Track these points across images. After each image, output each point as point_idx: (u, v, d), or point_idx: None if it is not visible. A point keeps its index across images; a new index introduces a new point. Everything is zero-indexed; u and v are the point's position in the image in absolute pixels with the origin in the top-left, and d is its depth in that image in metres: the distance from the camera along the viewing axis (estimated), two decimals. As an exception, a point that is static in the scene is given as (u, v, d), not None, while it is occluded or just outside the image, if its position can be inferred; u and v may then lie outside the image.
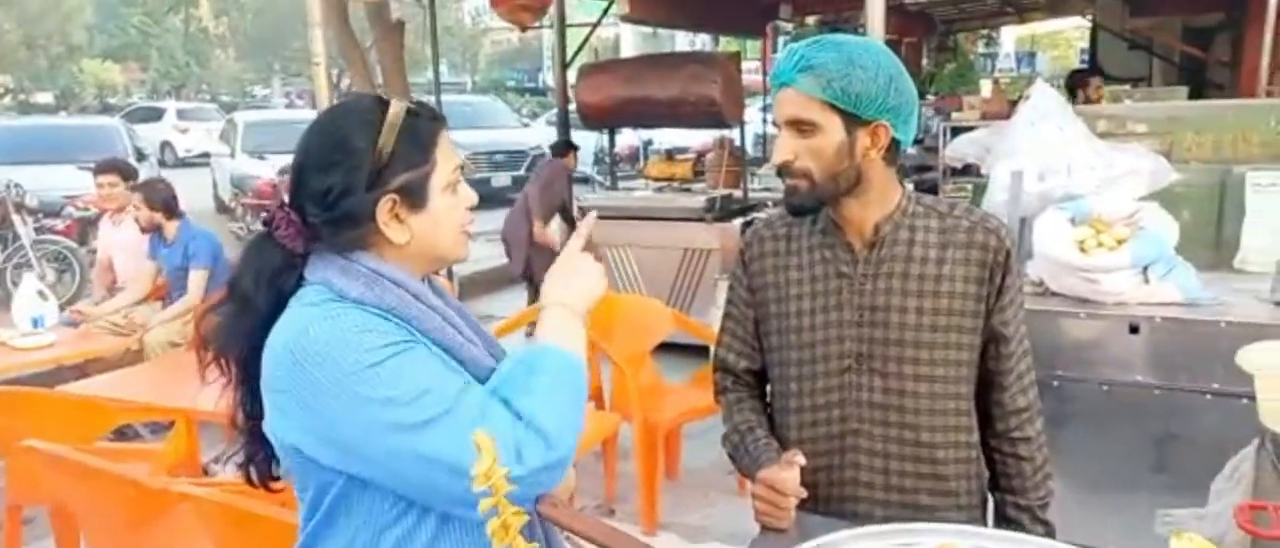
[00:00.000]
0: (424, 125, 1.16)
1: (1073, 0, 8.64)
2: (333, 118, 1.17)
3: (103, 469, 1.90)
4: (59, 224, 7.65)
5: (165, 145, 20.21)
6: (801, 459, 1.40)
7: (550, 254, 5.39)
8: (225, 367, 1.15)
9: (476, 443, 0.70)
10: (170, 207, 4.40)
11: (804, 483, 1.39)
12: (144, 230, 4.45)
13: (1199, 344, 2.56)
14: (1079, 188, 2.91)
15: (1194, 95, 6.48)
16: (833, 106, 1.35)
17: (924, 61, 12.51)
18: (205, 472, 3.62)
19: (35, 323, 4.17)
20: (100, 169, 4.85)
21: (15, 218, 7.22)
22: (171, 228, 4.43)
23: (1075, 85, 7.30)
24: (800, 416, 1.51)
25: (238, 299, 1.15)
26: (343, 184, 1.11)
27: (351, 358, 1.03)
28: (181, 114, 21.71)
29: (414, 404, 1.02)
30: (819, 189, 1.40)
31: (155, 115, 21.48)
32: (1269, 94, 4.20)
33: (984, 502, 1.56)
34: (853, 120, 1.36)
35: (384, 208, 1.13)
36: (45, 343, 4.03)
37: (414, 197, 1.14)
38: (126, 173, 4.89)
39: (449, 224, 1.18)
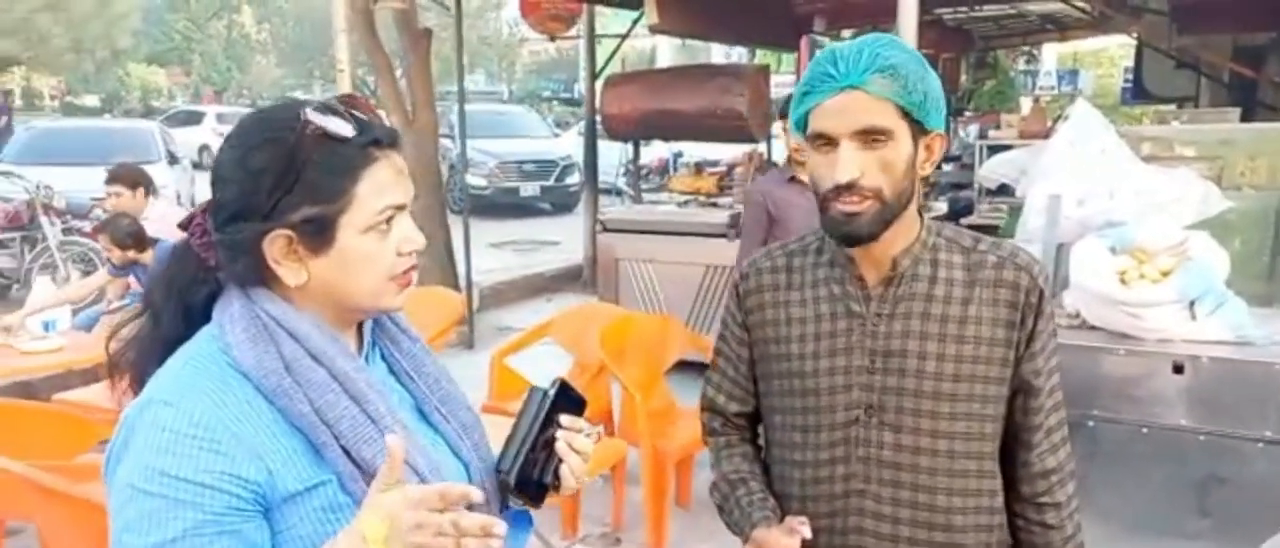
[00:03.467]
0: (349, 153, 0.96)
1: (1117, 17, 8.34)
2: (244, 127, 1.00)
3: (64, 492, 1.80)
4: (86, 226, 7.68)
5: (204, 148, 20.53)
6: (806, 532, 1.24)
7: None
8: (131, 386, 1.02)
9: None
10: (139, 239, 4.32)
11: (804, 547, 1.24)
12: (118, 268, 4.39)
13: (1251, 387, 2.37)
14: (1121, 214, 2.72)
15: (1245, 117, 6.21)
16: (906, 114, 1.18)
17: (962, 78, 12.24)
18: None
19: (46, 327, 4.14)
20: (109, 178, 4.82)
21: (43, 219, 7.26)
22: (148, 257, 4.36)
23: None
24: (803, 470, 1.33)
25: (149, 309, 1.03)
26: (234, 206, 0.96)
27: (147, 461, 0.90)
28: (221, 118, 22.02)
29: None
30: (887, 211, 1.21)
31: (195, 119, 21.83)
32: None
33: None
34: (918, 130, 1.20)
35: (275, 244, 0.95)
36: (54, 347, 3.98)
37: (316, 235, 0.96)
38: (135, 181, 4.83)
39: (365, 272, 0.98)
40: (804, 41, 10.82)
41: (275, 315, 0.97)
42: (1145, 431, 2.47)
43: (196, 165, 17.69)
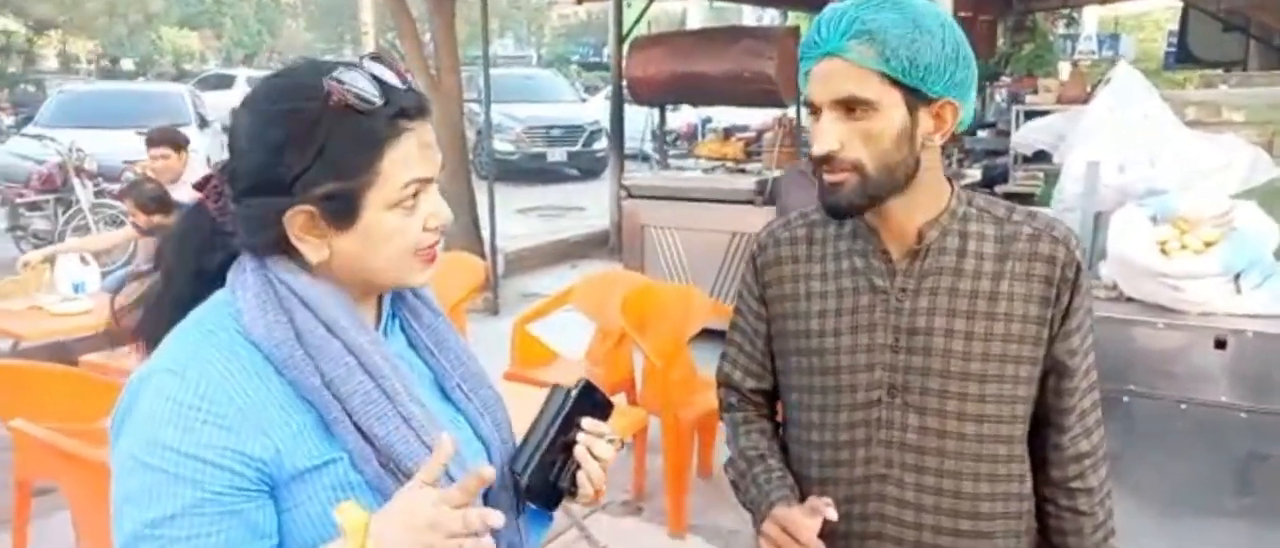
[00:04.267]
0: (375, 126, 0.89)
1: (1164, -23, 8.05)
2: (263, 91, 0.93)
3: (82, 456, 1.79)
4: (117, 188, 7.77)
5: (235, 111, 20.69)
6: (832, 513, 1.18)
7: None
8: (141, 349, 0.99)
9: None
10: (164, 203, 4.32)
11: (821, 533, 1.18)
12: (145, 234, 4.40)
13: (1297, 363, 2.27)
14: (1163, 182, 2.62)
15: (1296, 82, 5.97)
16: (894, 81, 1.10)
17: (1000, 41, 11.94)
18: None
19: (76, 289, 4.18)
20: (151, 141, 4.83)
21: (76, 181, 7.36)
22: (174, 220, 4.38)
23: None
24: (822, 452, 1.27)
25: (162, 268, 0.99)
26: (252, 179, 0.91)
27: (150, 432, 0.86)
28: (252, 81, 22.03)
29: (134, 524, 0.85)
30: (870, 185, 1.14)
31: (227, 82, 21.91)
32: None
33: None
34: (916, 98, 1.11)
35: (296, 220, 0.90)
36: (84, 309, 4.02)
37: (339, 212, 0.90)
38: (178, 143, 4.85)
39: (389, 249, 0.93)
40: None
41: (289, 284, 0.92)
42: (1184, 406, 2.39)
43: (227, 129, 17.89)
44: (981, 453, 1.20)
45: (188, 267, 0.98)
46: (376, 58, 0.93)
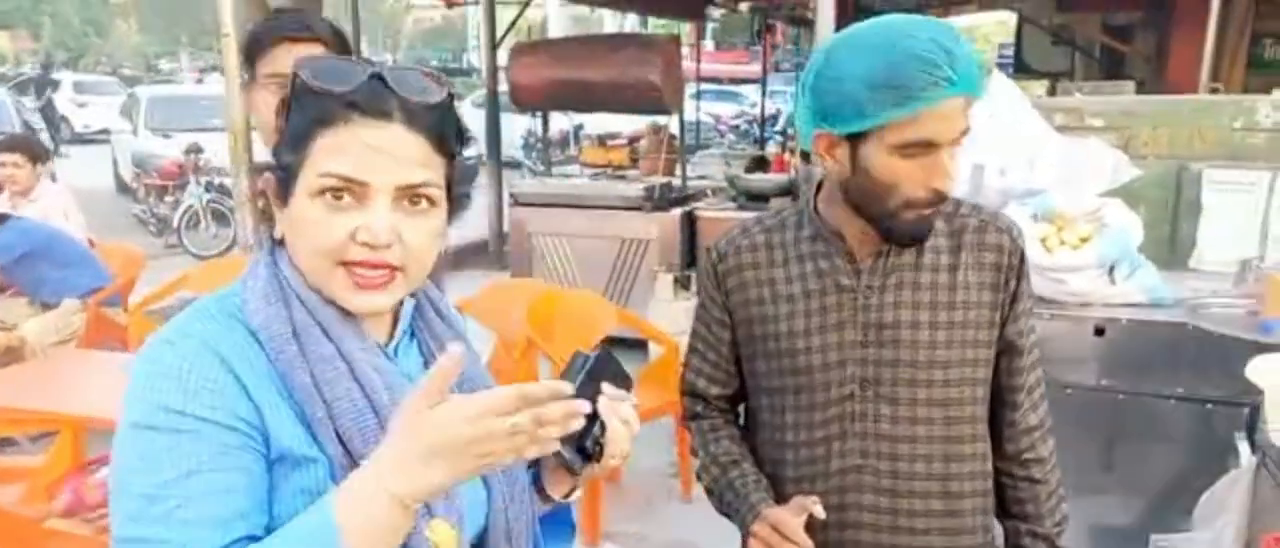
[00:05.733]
0: (323, 105, 0.86)
1: (1002, -6, 8.73)
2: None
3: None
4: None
5: (63, 119, 19.06)
6: (820, 511, 1.22)
7: None
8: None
9: None
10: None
11: (806, 529, 1.21)
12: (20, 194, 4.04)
13: (1164, 348, 2.49)
14: (1041, 183, 2.81)
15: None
16: None
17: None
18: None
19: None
20: (5, 146, 4.36)
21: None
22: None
23: None
24: (797, 452, 1.31)
25: None
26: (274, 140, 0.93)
27: (150, 399, 0.82)
28: (79, 87, 20.43)
29: (145, 487, 0.80)
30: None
31: (50, 86, 20.18)
32: (1213, 91, 4.22)
33: (990, 533, 1.40)
34: None
35: (269, 184, 0.92)
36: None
37: (283, 184, 0.89)
38: (34, 153, 4.39)
39: (305, 243, 0.88)
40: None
41: (293, 282, 0.90)
42: (1069, 391, 2.58)
43: (55, 139, 16.43)
44: (949, 435, 1.27)
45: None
46: (410, 68, 0.92)
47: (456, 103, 0.95)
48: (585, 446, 0.99)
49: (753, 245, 1.33)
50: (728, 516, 1.35)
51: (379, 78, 0.87)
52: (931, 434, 1.26)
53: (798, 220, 1.32)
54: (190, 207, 8.46)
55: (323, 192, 0.85)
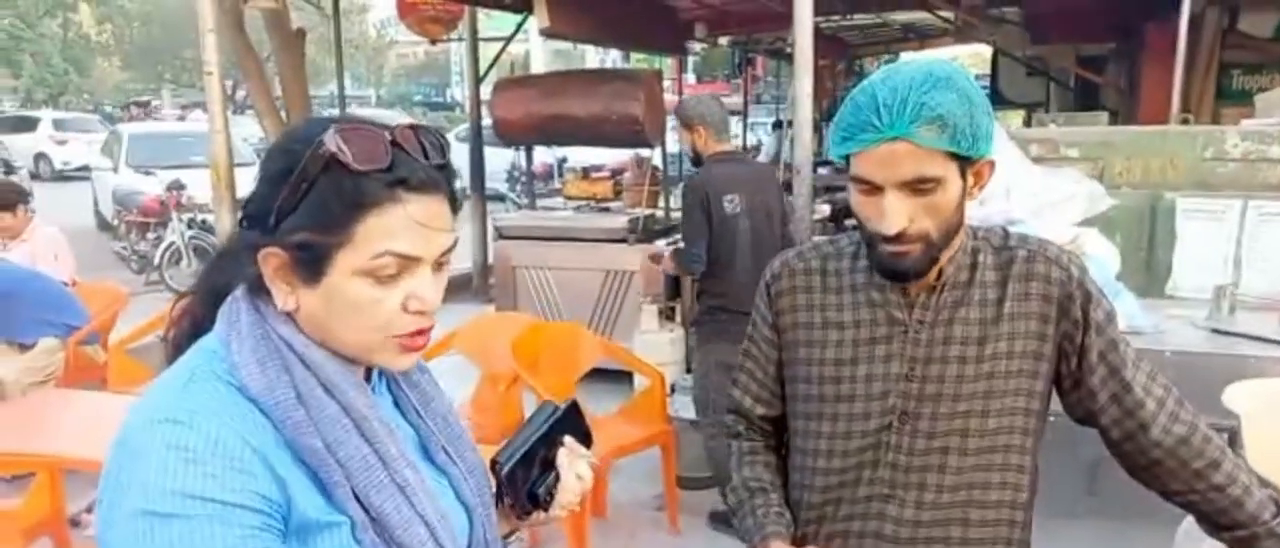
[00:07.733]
0: (364, 186, 0.83)
1: (979, 27, 8.89)
2: (284, 129, 0.94)
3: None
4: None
5: (40, 157, 18.97)
6: None
7: None
8: None
9: None
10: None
11: None
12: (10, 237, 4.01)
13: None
14: (1019, 212, 2.86)
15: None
16: (953, 156, 1.13)
17: (831, 84, 12.75)
18: (74, 525, 3.24)
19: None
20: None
21: None
22: None
23: None
24: (827, 478, 1.32)
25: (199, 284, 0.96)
26: (251, 208, 0.88)
27: (163, 484, 0.78)
28: (59, 124, 20.37)
29: None
30: (934, 249, 1.18)
31: (29, 125, 20.10)
32: (1184, 121, 4.31)
33: None
34: (966, 164, 1.16)
35: (269, 261, 0.86)
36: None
37: (308, 264, 0.85)
38: (10, 201, 4.34)
39: (356, 320, 0.87)
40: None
41: (289, 340, 0.87)
42: (1053, 419, 2.60)
43: (35, 176, 16.32)
44: (979, 464, 1.25)
45: (206, 284, 0.95)
46: (414, 128, 0.90)
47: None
48: (537, 492, 1.03)
49: (807, 269, 1.35)
50: (743, 539, 1.37)
51: (433, 161, 0.88)
52: (962, 465, 1.25)
53: (855, 250, 1.33)
54: (172, 243, 8.40)
55: (374, 271, 0.85)
